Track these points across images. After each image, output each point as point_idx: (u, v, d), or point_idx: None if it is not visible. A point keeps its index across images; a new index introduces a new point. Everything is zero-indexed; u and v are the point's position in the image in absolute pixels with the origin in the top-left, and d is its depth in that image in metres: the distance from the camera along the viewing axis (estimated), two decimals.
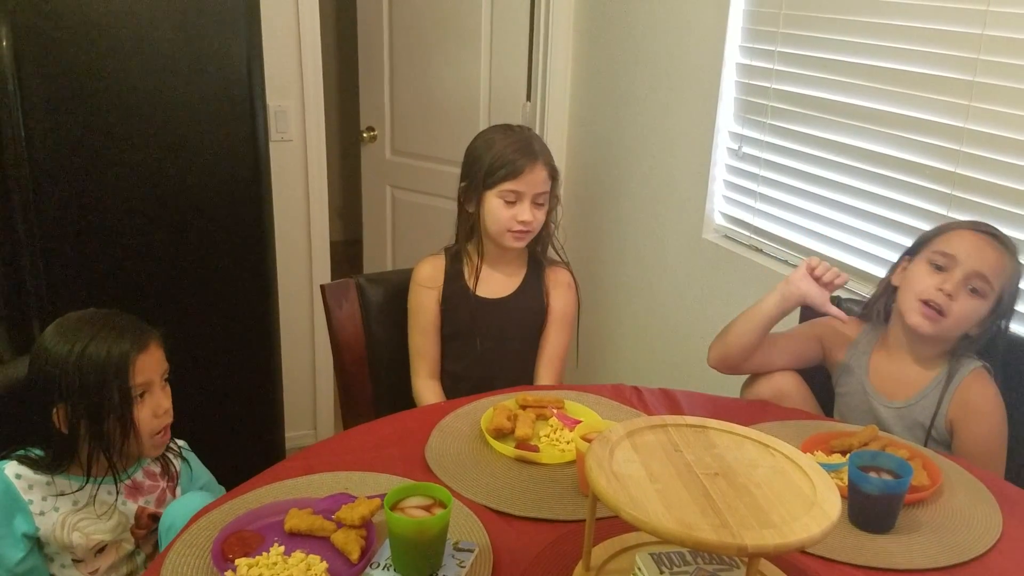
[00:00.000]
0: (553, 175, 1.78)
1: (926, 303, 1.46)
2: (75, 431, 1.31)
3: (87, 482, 1.35)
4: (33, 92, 1.85)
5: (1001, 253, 1.45)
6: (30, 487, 1.32)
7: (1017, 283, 1.48)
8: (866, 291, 1.88)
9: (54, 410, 1.31)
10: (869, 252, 1.91)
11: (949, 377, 1.49)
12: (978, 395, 1.47)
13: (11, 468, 1.32)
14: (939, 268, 1.48)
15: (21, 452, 1.35)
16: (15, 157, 1.84)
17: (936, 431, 1.49)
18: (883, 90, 1.82)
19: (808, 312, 1.70)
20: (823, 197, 2.00)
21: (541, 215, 1.78)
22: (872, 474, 1.20)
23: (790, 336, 1.68)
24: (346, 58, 4.62)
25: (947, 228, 1.52)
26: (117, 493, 1.38)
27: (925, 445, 1.48)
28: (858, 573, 1.11)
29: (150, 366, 1.35)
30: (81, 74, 1.90)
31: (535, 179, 1.74)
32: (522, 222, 1.75)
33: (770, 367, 1.63)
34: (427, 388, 1.83)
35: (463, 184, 1.82)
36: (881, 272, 1.86)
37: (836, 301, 1.77)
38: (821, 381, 1.68)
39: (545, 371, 1.85)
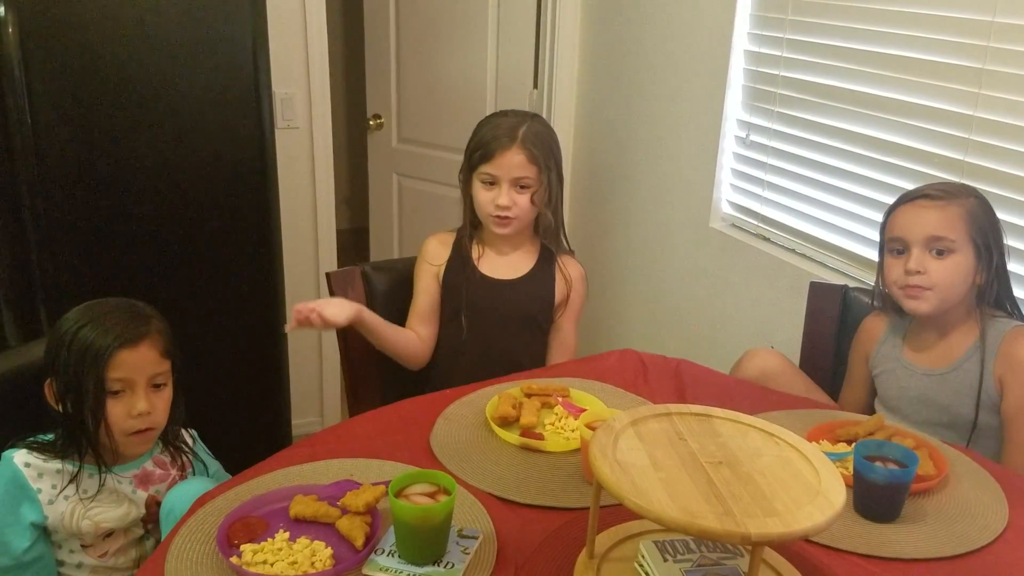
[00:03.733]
0: (536, 161, 1.74)
1: (905, 288, 1.49)
2: (65, 410, 1.32)
3: (98, 471, 1.36)
4: (39, 80, 1.85)
5: (942, 207, 1.47)
6: (39, 475, 1.33)
7: (983, 218, 1.47)
8: (872, 279, 1.87)
9: (47, 381, 1.33)
10: (877, 240, 1.90)
11: (984, 337, 1.49)
12: (1022, 350, 1.46)
13: (20, 457, 1.33)
14: (899, 252, 1.51)
15: (31, 439, 1.36)
16: (22, 144, 1.84)
17: (986, 392, 1.48)
18: (892, 77, 1.81)
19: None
20: (831, 185, 1.99)
21: (523, 200, 1.76)
22: (878, 463, 1.20)
23: (850, 370, 1.70)
24: (353, 45, 4.61)
25: (889, 212, 1.56)
26: (136, 477, 1.39)
27: (976, 408, 1.48)
28: (863, 562, 1.11)
29: (134, 365, 1.32)
30: (87, 62, 1.89)
31: (509, 163, 1.73)
32: (499, 206, 1.75)
33: (859, 404, 1.67)
34: (406, 333, 1.84)
35: (461, 167, 1.83)
36: None
37: (846, 291, 1.78)
38: (827, 366, 1.68)
39: (560, 352, 1.87)
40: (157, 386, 1.36)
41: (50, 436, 1.37)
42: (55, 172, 1.92)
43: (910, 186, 1.79)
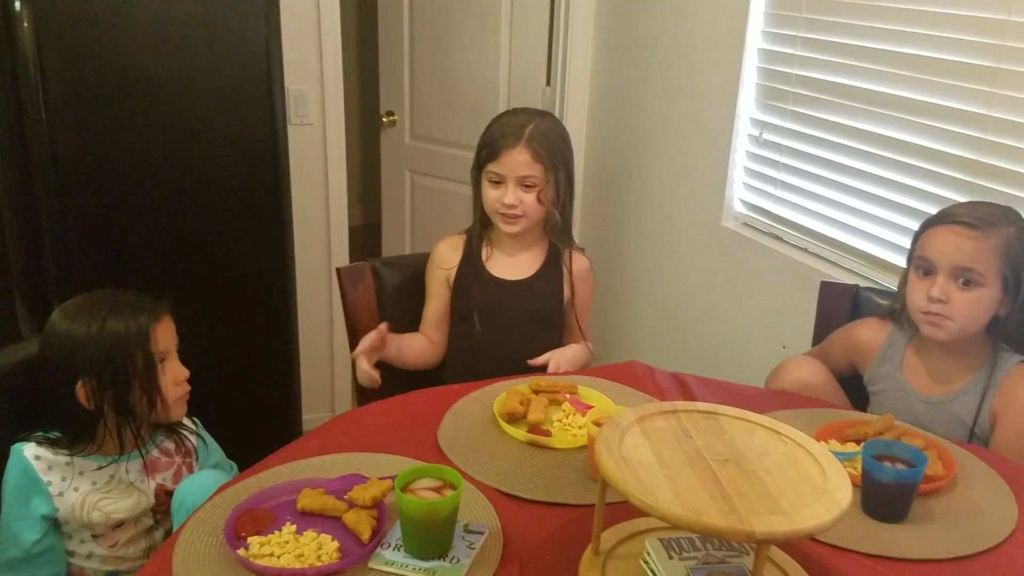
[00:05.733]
0: (542, 160, 1.73)
1: (927, 314, 1.45)
2: (100, 406, 1.33)
3: (109, 461, 1.37)
4: (54, 76, 1.86)
5: (977, 239, 1.40)
6: (49, 468, 1.34)
7: (1019, 250, 1.41)
8: (886, 280, 1.87)
9: (78, 385, 1.32)
10: (891, 241, 1.89)
11: (992, 371, 1.46)
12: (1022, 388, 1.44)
13: (30, 450, 1.34)
14: (925, 273, 1.46)
15: (40, 434, 1.37)
16: (36, 139, 1.86)
17: (980, 427, 1.46)
18: (907, 77, 1.80)
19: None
20: (845, 185, 1.98)
21: (530, 199, 1.75)
22: (886, 463, 1.19)
23: (823, 351, 1.68)
24: (366, 41, 4.62)
25: (924, 228, 1.49)
26: (142, 466, 1.40)
27: (969, 441, 1.45)
28: (870, 562, 1.11)
29: (166, 336, 1.38)
30: (101, 57, 1.91)
31: (514, 161, 1.73)
32: (505, 204, 1.75)
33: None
34: (415, 338, 1.85)
35: (472, 165, 1.84)
36: (902, 260, 1.84)
37: (856, 291, 1.77)
38: (850, 378, 1.66)
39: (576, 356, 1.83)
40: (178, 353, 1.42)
41: (57, 433, 1.37)
42: (69, 167, 1.93)
43: (925, 186, 1.78)
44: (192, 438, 1.49)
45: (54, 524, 1.36)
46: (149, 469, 1.41)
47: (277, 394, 2.34)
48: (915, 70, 1.78)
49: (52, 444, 1.36)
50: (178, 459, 1.46)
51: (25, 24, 1.79)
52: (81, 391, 1.33)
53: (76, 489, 1.35)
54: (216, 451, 1.54)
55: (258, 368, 2.28)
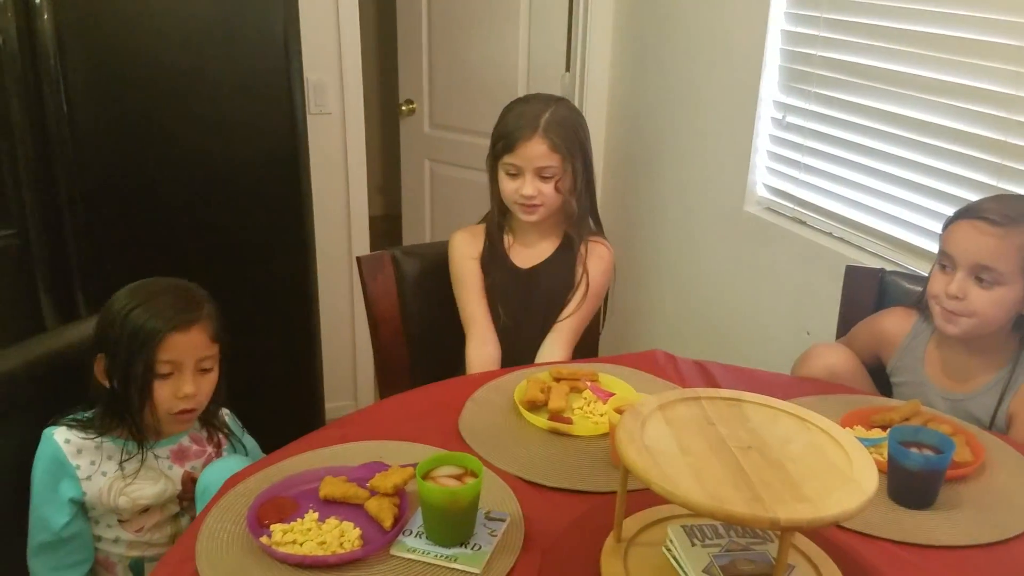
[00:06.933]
0: (559, 149, 1.71)
1: (942, 309, 1.43)
2: (112, 387, 1.35)
3: (138, 448, 1.38)
4: (74, 69, 1.87)
5: (1000, 236, 1.36)
6: (79, 452, 1.35)
7: None
8: (913, 264, 1.84)
9: (97, 357, 1.36)
10: (917, 224, 1.86)
11: (1014, 371, 1.43)
12: None
13: (60, 434, 1.36)
14: (944, 267, 1.44)
15: (71, 416, 1.38)
16: (58, 131, 1.88)
17: (996, 428, 1.43)
18: (933, 57, 1.76)
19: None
20: (870, 168, 1.95)
21: (548, 189, 1.73)
22: (913, 449, 1.18)
23: (848, 342, 1.65)
24: (385, 30, 4.60)
25: (950, 221, 1.45)
26: (172, 453, 1.41)
27: None
28: (897, 549, 1.09)
29: (184, 348, 1.34)
30: (120, 49, 1.92)
31: (532, 153, 1.71)
32: (524, 196, 1.73)
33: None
34: (477, 356, 1.77)
35: (487, 155, 1.81)
36: (929, 244, 1.81)
37: (882, 275, 1.74)
38: (876, 371, 1.63)
39: (553, 339, 1.77)
40: (204, 370, 1.38)
41: (88, 414, 1.39)
42: (90, 159, 1.95)
43: (951, 168, 1.75)
44: (223, 429, 1.49)
45: (82, 509, 1.37)
46: (179, 456, 1.43)
47: (299, 383, 2.36)
48: (942, 50, 1.74)
49: (83, 426, 1.37)
50: (210, 449, 1.47)
51: (45, 16, 1.80)
52: (98, 364, 1.36)
53: (104, 473, 1.36)
54: (249, 443, 1.54)
55: (280, 357, 2.30)
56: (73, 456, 1.35)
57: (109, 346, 1.34)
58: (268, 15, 2.01)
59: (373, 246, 2.87)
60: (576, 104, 2.73)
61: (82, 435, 1.36)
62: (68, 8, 1.84)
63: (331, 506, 1.13)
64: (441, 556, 1.04)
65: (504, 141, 1.73)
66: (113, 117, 1.95)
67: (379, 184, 5.00)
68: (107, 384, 1.36)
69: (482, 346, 1.78)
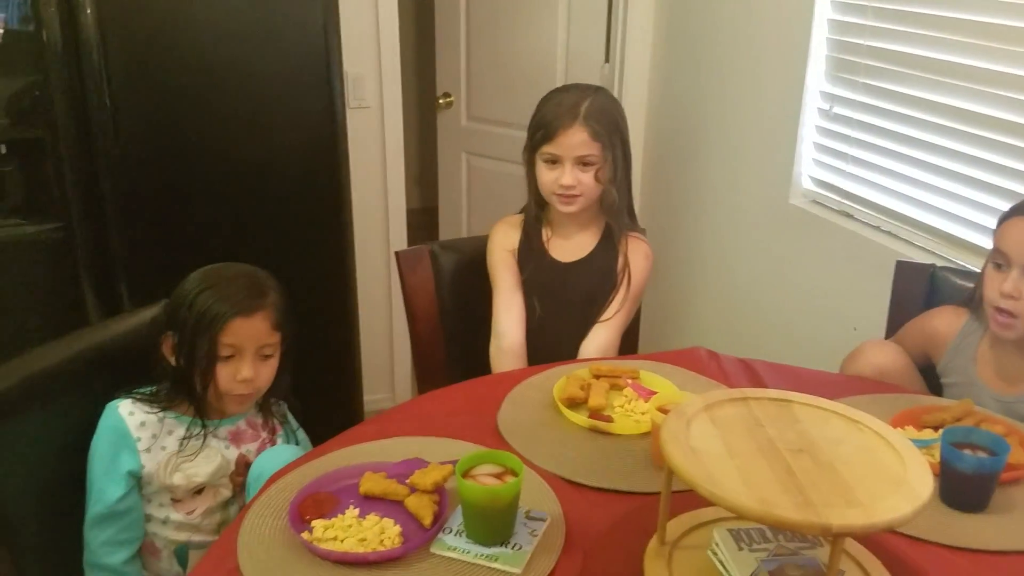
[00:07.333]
0: (600, 137, 1.68)
1: (997, 309, 1.38)
2: (178, 364, 1.39)
3: (201, 426, 1.41)
4: (117, 62, 1.89)
5: None
6: (141, 424, 1.38)
7: None
8: (964, 260, 1.79)
9: (165, 335, 1.40)
10: (968, 218, 1.80)
11: None
12: None
13: (125, 407, 1.38)
14: (999, 267, 1.39)
15: (138, 390, 1.41)
16: (101, 125, 1.89)
17: None
18: (985, 47, 1.71)
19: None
20: (919, 160, 1.90)
21: (587, 178, 1.71)
22: (966, 451, 1.14)
23: (898, 341, 1.60)
24: (422, 23, 4.60)
25: (1004, 218, 1.41)
26: (204, 437, 1.42)
27: None
28: (949, 554, 1.06)
29: (246, 334, 1.38)
30: (162, 43, 1.93)
31: (571, 142, 1.68)
32: (563, 185, 1.70)
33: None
34: (501, 357, 1.76)
35: (524, 146, 1.79)
36: (980, 240, 1.76)
37: (933, 271, 1.69)
38: (926, 371, 1.59)
39: (600, 336, 1.74)
40: (265, 356, 1.42)
41: (153, 388, 1.42)
42: (133, 153, 1.96)
43: (1004, 161, 1.69)
44: (278, 415, 1.52)
45: (137, 484, 1.39)
46: (236, 437, 1.45)
47: (338, 376, 2.36)
48: (994, 39, 1.69)
49: (147, 400, 1.40)
50: (264, 434, 1.49)
51: (88, 11, 1.81)
52: (166, 342, 1.40)
53: (163, 448, 1.39)
54: (300, 434, 1.56)
55: (319, 350, 2.30)
56: (135, 429, 1.37)
57: (177, 325, 1.38)
58: (308, 10, 2.01)
59: (410, 239, 2.87)
60: (615, 96, 2.69)
61: (146, 408, 1.39)
62: (110, 2, 1.86)
63: (371, 502, 1.12)
64: (482, 555, 1.03)
65: (543, 130, 1.71)
66: (154, 111, 1.97)
67: (415, 176, 5.00)
68: (173, 362, 1.40)
69: (495, 339, 1.77)
